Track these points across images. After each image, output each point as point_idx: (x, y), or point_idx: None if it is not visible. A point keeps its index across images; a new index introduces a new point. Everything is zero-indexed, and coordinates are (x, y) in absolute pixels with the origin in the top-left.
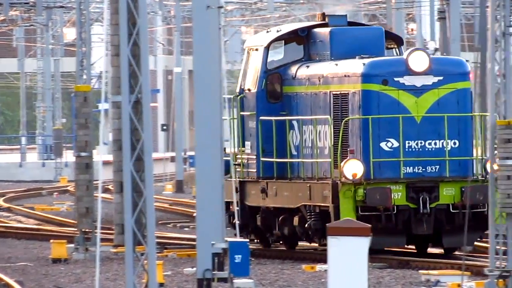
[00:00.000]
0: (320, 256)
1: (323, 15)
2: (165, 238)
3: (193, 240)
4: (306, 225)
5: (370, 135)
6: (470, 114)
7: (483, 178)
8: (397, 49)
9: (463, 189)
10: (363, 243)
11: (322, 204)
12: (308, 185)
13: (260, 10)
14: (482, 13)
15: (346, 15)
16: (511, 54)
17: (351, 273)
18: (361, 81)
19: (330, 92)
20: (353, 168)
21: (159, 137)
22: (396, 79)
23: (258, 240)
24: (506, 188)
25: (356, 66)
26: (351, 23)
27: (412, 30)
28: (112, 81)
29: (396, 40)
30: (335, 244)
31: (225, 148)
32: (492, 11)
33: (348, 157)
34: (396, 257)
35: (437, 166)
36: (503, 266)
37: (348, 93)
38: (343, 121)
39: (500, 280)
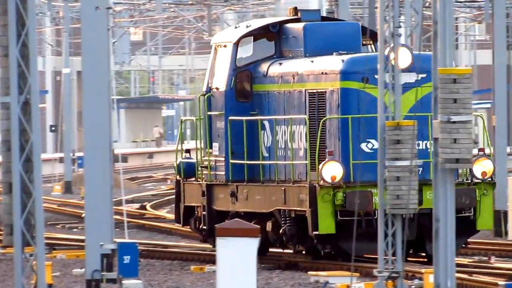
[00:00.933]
0: (209, 257)
1: (295, 10)
2: (54, 239)
3: (82, 241)
4: (281, 231)
5: (350, 135)
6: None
7: (469, 181)
8: (372, 46)
9: None
10: (252, 244)
11: (298, 209)
12: (283, 188)
13: (149, 11)
14: (371, 14)
15: (319, 10)
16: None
17: (240, 274)
18: (339, 79)
19: (305, 90)
20: (332, 170)
21: (48, 138)
22: (376, 76)
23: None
24: (394, 189)
25: (334, 63)
26: (324, 18)
27: None
28: (1, 82)
29: (371, 36)
30: (223, 245)
31: (189, 150)
32: (381, 12)
33: (326, 159)
34: (285, 259)
35: (420, 169)
36: (392, 267)
37: (325, 92)
38: (321, 121)
39: (389, 281)
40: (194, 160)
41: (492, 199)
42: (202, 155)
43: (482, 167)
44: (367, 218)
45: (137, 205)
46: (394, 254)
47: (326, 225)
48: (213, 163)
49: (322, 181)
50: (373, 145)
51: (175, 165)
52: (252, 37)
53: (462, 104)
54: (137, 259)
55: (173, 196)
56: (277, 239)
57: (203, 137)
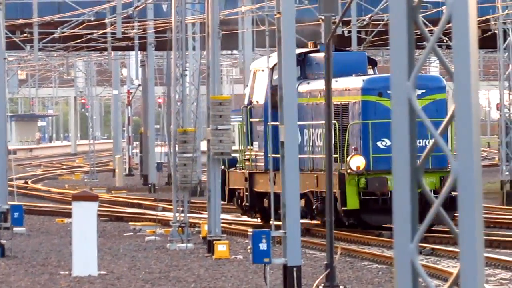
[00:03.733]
0: (69, 214)
1: (315, 44)
2: None
3: None
4: (313, 206)
5: (370, 135)
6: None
7: None
8: (372, 69)
9: (442, 178)
10: (93, 206)
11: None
12: (315, 175)
13: (30, 60)
14: (168, 61)
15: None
16: (186, 88)
17: (85, 224)
18: (361, 94)
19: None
20: (356, 161)
21: None
22: (388, 91)
23: (260, 217)
24: (183, 171)
25: (356, 82)
26: (337, 49)
27: (122, 73)
28: None
29: (372, 62)
30: (77, 206)
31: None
32: (174, 60)
33: (352, 153)
34: (115, 214)
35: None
36: (182, 219)
37: (348, 103)
38: (348, 125)
39: (180, 228)
40: (235, 155)
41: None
42: (245, 151)
43: None
44: (383, 197)
45: (23, 181)
46: (182, 212)
47: (353, 202)
48: (254, 156)
49: (349, 170)
50: (386, 143)
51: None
52: None
53: (225, 118)
54: (22, 215)
55: (46, 175)
56: (307, 213)
57: (245, 137)
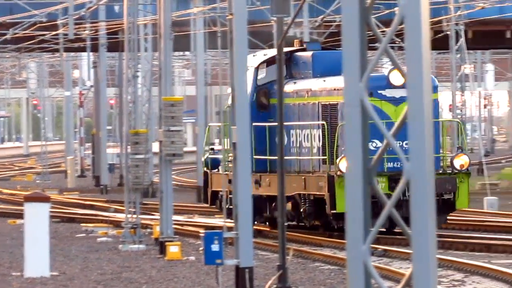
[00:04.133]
0: (20, 215)
1: (301, 42)
2: None
3: None
4: (301, 209)
5: None
6: (439, 120)
7: (450, 172)
8: None
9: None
10: (45, 207)
11: (317, 193)
12: (303, 177)
13: None
14: (120, 62)
15: (319, 42)
16: (138, 89)
17: (38, 226)
18: None
19: (318, 102)
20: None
21: None
22: (379, 91)
23: None
24: (135, 173)
25: None
26: (324, 48)
27: (74, 75)
28: None
29: None
30: (29, 207)
31: (213, 148)
32: (126, 61)
33: (342, 155)
34: (67, 215)
35: None
36: (134, 220)
37: (337, 104)
38: (338, 126)
39: (132, 229)
40: (218, 156)
41: (468, 185)
42: (229, 152)
43: (460, 161)
44: (373, 200)
45: None
46: (135, 213)
47: (342, 205)
48: None
49: (339, 172)
50: (376, 144)
51: (202, 160)
52: (268, 62)
53: (177, 120)
54: None
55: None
56: (294, 216)
57: (229, 138)
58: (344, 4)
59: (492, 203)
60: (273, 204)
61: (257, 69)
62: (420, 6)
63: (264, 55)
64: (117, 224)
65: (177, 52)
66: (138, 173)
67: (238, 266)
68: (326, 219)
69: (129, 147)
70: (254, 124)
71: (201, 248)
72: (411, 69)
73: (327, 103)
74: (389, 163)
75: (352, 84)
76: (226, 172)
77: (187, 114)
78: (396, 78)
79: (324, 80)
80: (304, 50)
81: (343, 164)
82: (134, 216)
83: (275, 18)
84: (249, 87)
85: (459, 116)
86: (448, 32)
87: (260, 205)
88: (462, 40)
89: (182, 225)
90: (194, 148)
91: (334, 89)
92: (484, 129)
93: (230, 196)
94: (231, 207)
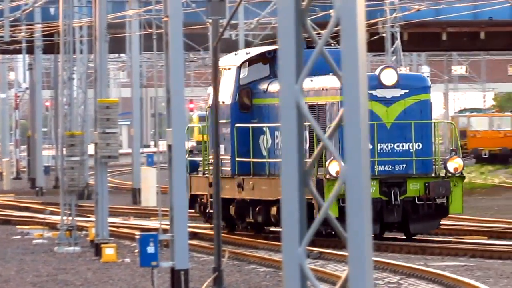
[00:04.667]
0: None
1: None
2: None
3: None
4: None
5: None
6: (432, 121)
7: (443, 175)
8: None
9: (426, 184)
10: None
11: (306, 197)
12: None
13: None
14: (56, 65)
15: (305, 39)
16: (74, 91)
17: None
18: (340, 94)
19: (305, 103)
20: (336, 167)
21: None
22: (369, 91)
23: (225, 225)
24: (70, 175)
25: (334, 81)
26: (308, 47)
27: (9, 77)
28: None
29: None
30: None
31: (192, 150)
32: (62, 63)
33: (331, 158)
34: (2, 217)
35: (404, 165)
36: (69, 223)
37: (326, 104)
38: (327, 127)
39: (67, 231)
40: (197, 158)
41: (462, 189)
42: (209, 155)
43: (454, 164)
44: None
45: None
46: (70, 215)
47: (332, 210)
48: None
49: (328, 175)
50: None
51: None
52: (251, 61)
53: (112, 122)
54: None
55: None
56: (280, 221)
57: (210, 140)
58: (280, 6)
59: None
60: (257, 209)
61: (239, 68)
62: (356, 8)
63: (247, 53)
64: (52, 226)
65: (113, 54)
66: (73, 175)
67: (174, 268)
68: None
69: (64, 149)
70: (236, 125)
71: (136, 250)
72: (347, 71)
73: (315, 103)
74: (380, 166)
75: (288, 86)
76: (207, 175)
77: (122, 116)
78: (387, 78)
79: (312, 80)
80: None
81: (333, 167)
82: (70, 218)
83: (210, 20)
84: (232, 87)
85: None
86: (384, 34)
87: (242, 210)
88: (398, 42)
89: (117, 227)
90: (129, 150)
91: (322, 89)
92: None
93: (210, 200)
94: (211, 211)
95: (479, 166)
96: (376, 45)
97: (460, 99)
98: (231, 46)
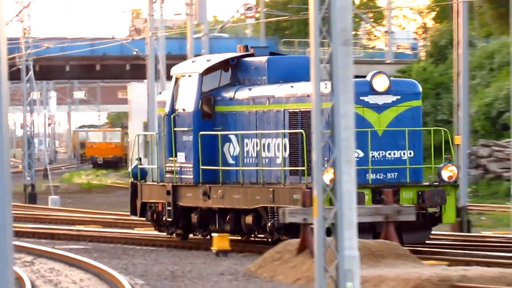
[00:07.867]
0: None
1: (246, 47)
2: None
3: None
4: (269, 224)
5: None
6: (425, 129)
7: (437, 183)
8: None
9: (419, 193)
10: None
11: (292, 206)
12: (271, 189)
13: None
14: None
15: (268, 47)
16: None
17: None
18: (328, 100)
19: (284, 110)
20: (327, 175)
21: None
22: (361, 98)
23: (182, 233)
24: None
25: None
26: (272, 53)
27: None
28: None
29: None
30: None
31: (140, 159)
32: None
33: (326, 166)
34: None
35: (396, 173)
36: None
37: (310, 111)
38: (311, 134)
39: None
40: (146, 166)
41: (455, 198)
42: (165, 163)
43: (449, 172)
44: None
45: None
46: None
47: None
48: (178, 168)
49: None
50: (358, 154)
51: (129, 170)
52: (213, 68)
53: None
54: None
55: None
56: (257, 230)
57: (167, 148)
58: None
59: (55, 201)
60: (228, 218)
61: (202, 75)
62: (1, 43)
63: (208, 60)
64: None
65: None
66: None
67: None
68: (296, 234)
69: None
70: (201, 133)
71: None
72: None
73: (297, 110)
74: (373, 175)
75: None
76: (164, 183)
77: None
78: (379, 84)
79: (292, 86)
80: (252, 55)
81: (327, 177)
82: None
83: None
84: (193, 95)
85: (28, 133)
86: (20, 66)
87: (206, 218)
88: (31, 72)
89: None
90: None
91: (306, 96)
92: (48, 142)
93: (168, 208)
94: (169, 219)
95: (96, 170)
96: (14, 74)
97: (81, 117)
98: None
